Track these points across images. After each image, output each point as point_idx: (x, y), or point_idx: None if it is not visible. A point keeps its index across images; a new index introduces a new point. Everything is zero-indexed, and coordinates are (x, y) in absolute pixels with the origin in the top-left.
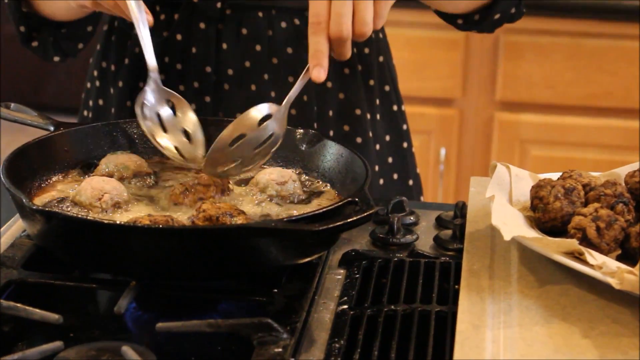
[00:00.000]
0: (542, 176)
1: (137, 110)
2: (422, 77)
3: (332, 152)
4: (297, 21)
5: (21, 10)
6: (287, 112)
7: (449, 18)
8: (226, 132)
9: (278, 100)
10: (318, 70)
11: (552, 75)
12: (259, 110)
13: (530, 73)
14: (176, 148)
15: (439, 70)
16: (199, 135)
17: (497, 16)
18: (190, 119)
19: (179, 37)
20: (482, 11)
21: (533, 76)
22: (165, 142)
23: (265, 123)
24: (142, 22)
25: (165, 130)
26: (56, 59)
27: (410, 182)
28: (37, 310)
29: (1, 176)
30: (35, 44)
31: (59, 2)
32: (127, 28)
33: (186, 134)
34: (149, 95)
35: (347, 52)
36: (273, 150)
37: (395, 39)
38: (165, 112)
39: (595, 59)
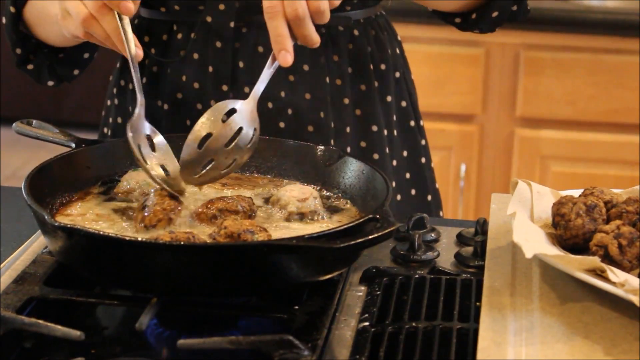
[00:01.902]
0: (564, 193)
1: (129, 133)
2: (442, 93)
3: (352, 169)
4: None
5: (19, 32)
6: (256, 105)
7: (447, 17)
8: (191, 134)
9: (297, 120)
10: (284, 55)
11: (573, 91)
12: (222, 107)
13: (551, 89)
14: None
15: (459, 86)
16: (176, 172)
17: (495, 14)
18: (169, 157)
19: (195, 56)
20: (479, 9)
21: (553, 92)
22: (155, 166)
23: (230, 118)
24: (132, 56)
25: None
26: (50, 83)
27: (429, 198)
28: (59, 326)
29: (24, 193)
30: (30, 67)
31: (52, 28)
32: (144, 47)
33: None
34: (136, 122)
35: (311, 34)
36: (249, 145)
37: (415, 54)
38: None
39: (616, 74)
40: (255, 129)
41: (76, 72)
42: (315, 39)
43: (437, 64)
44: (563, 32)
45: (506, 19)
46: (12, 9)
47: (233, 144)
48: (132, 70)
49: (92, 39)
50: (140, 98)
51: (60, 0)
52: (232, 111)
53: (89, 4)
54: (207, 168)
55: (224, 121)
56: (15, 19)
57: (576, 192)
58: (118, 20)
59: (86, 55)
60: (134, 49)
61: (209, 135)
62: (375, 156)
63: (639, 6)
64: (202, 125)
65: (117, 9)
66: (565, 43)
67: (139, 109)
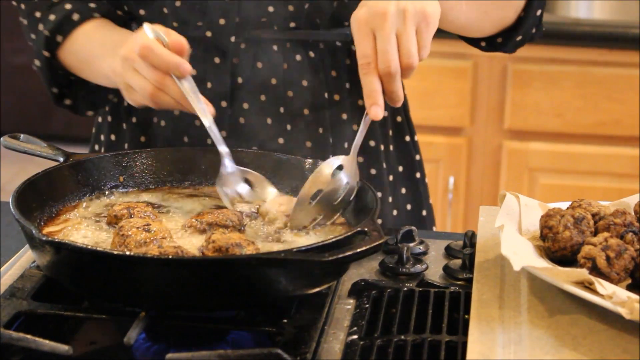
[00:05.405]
0: (552, 205)
1: (219, 189)
2: (431, 106)
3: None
4: (312, 54)
5: (56, 73)
6: (356, 159)
7: (472, 41)
8: (304, 190)
9: (294, 134)
10: (375, 109)
11: (561, 104)
12: (330, 164)
13: (539, 101)
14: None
15: (447, 99)
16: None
17: (519, 38)
18: (268, 192)
19: (194, 72)
20: (504, 33)
21: (541, 105)
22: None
23: (338, 175)
24: (204, 114)
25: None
26: (89, 113)
27: (424, 213)
28: (47, 341)
29: (11, 207)
30: (68, 101)
31: (98, 77)
32: None
33: None
34: (225, 178)
35: (398, 90)
36: (351, 198)
37: None
38: (244, 189)
39: (604, 87)
40: (357, 182)
41: (110, 96)
42: (400, 97)
43: (425, 76)
44: (551, 45)
45: (527, 41)
46: (46, 54)
47: (340, 198)
48: (207, 126)
49: (161, 107)
50: (223, 149)
51: (119, 74)
52: (339, 167)
53: (150, 76)
54: (317, 221)
55: (332, 177)
56: (50, 63)
57: (564, 205)
58: (179, 83)
59: None
60: (205, 107)
61: (319, 191)
62: (373, 171)
63: (627, 19)
64: (313, 183)
65: (177, 74)
66: (553, 56)
67: (225, 162)
